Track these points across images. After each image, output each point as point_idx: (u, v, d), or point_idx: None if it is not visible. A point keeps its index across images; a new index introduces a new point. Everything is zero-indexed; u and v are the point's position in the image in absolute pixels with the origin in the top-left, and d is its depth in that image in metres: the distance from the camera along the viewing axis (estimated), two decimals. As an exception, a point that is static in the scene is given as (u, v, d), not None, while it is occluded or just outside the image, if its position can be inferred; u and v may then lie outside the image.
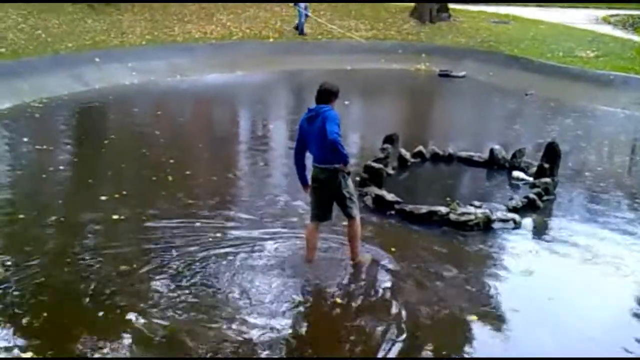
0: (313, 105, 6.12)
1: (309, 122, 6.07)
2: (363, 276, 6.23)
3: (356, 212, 6.28)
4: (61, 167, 8.90)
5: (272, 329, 5.18)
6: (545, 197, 8.15)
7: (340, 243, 6.63)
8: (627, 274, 6.48)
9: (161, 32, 17.94)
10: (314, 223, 6.34)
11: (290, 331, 5.21)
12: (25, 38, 15.73)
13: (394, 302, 5.70)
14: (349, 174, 6.15)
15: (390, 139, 9.13)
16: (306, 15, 19.04)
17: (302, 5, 18.97)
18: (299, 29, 19.14)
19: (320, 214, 6.29)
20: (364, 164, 8.63)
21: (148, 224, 7.02)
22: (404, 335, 5.20)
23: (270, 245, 6.64)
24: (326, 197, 6.21)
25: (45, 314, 5.27)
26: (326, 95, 6.09)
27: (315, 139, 6.00)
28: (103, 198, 7.67)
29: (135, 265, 6.06)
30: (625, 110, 13.90)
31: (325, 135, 5.77)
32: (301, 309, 5.56)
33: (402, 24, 21.07)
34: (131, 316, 5.26)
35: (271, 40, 18.48)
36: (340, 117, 5.97)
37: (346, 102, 13.63)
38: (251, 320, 5.27)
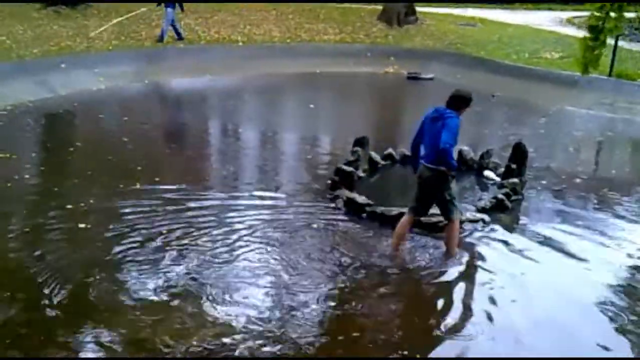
0: (441, 105, 6.30)
1: (432, 121, 6.28)
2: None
3: (456, 216, 6.51)
4: (26, 176, 8.72)
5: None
6: (513, 197, 8.25)
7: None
8: (592, 271, 6.62)
9: (128, 37, 17.76)
10: (409, 216, 6.62)
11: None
12: (-12, 44, 15.45)
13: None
14: (453, 177, 6.33)
15: (360, 142, 9.15)
16: (171, 22, 17.50)
17: (169, 10, 17.34)
18: (161, 33, 17.54)
19: (418, 208, 6.61)
20: (334, 167, 8.64)
21: (115, 233, 6.93)
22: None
23: (242, 251, 6.63)
24: (426, 195, 6.47)
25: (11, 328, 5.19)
26: (455, 101, 6.33)
27: (430, 139, 6.24)
28: (69, 207, 7.54)
29: (98, 277, 5.96)
30: (590, 110, 14.16)
31: (439, 139, 6.01)
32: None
33: (370, 27, 21.17)
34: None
35: (240, 44, 18.41)
36: (460, 125, 6.19)
37: (311, 106, 13.67)
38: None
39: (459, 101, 6.33)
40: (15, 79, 13.00)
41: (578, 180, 9.40)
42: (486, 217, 7.59)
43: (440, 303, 5.97)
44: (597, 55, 15.26)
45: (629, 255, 7.00)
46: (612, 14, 14.89)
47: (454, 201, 6.48)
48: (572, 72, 15.89)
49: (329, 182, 8.46)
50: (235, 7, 21.93)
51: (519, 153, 8.75)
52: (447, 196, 6.38)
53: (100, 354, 4.90)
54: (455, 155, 6.65)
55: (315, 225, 7.34)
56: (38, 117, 12.12)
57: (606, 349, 5.27)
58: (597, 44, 15.16)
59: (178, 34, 17.79)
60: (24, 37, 16.49)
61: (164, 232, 6.95)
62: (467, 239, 7.18)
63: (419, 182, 6.50)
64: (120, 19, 18.13)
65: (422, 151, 6.46)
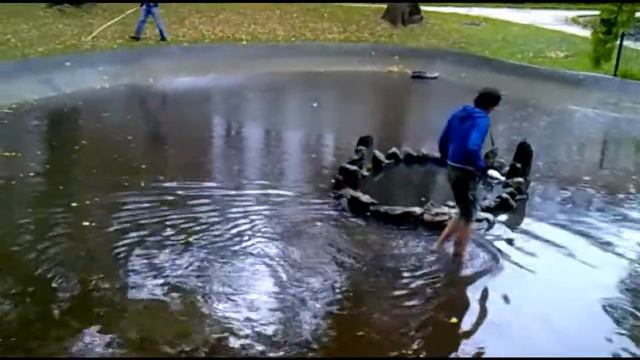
0: (469, 104, 6.24)
1: (459, 120, 6.23)
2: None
3: (473, 218, 6.50)
4: (31, 174, 8.74)
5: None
6: (518, 197, 8.23)
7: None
8: (599, 268, 6.62)
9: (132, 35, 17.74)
10: (456, 216, 6.60)
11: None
12: (-7, 43, 15.48)
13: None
14: (480, 178, 6.34)
15: (364, 141, 9.15)
16: (143, 21, 17.11)
17: (145, 7, 16.97)
18: (159, 33, 17.29)
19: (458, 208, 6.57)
20: (338, 165, 8.64)
21: (119, 231, 6.93)
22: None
23: (245, 249, 6.63)
24: (457, 195, 6.43)
25: (16, 325, 5.20)
26: (484, 99, 6.25)
27: (458, 138, 6.19)
28: (74, 204, 7.56)
29: (102, 275, 5.97)
30: (595, 109, 14.13)
31: (467, 139, 5.97)
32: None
33: (374, 26, 21.14)
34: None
35: (244, 42, 18.41)
36: (489, 125, 6.13)
37: (314, 104, 13.65)
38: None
39: (488, 99, 6.26)
40: (20, 78, 13.02)
41: (582, 179, 9.37)
42: (490, 217, 7.57)
43: (446, 302, 5.93)
44: (609, 49, 15.17)
45: (636, 253, 7.00)
46: (625, 8, 14.81)
47: (476, 203, 6.45)
48: (577, 72, 15.86)
49: (333, 180, 8.45)
50: (240, 6, 21.93)
51: (523, 152, 8.75)
52: (470, 196, 6.35)
53: (101, 353, 4.90)
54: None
55: (318, 224, 7.33)
56: (42, 116, 12.14)
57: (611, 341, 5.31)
58: (609, 38, 15.09)
59: (138, 32, 17.24)
60: (28, 35, 16.51)
61: (168, 230, 6.97)
62: (472, 238, 7.16)
63: (450, 184, 6.51)
64: (112, 21, 17.93)
65: (449, 150, 6.42)
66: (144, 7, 17.05)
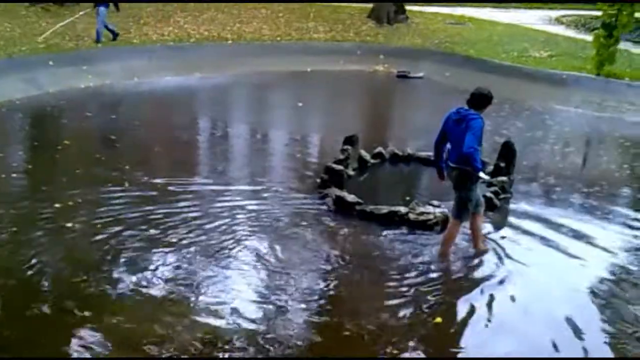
0: (463, 106, 6.26)
1: (454, 122, 6.25)
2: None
3: (464, 218, 6.55)
4: (14, 175, 8.66)
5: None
6: (502, 196, 8.28)
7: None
8: (583, 265, 6.70)
9: (117, 34, 17.64)
10: (453, 220, 6.58)
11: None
12: (-25, 41, 15.32)
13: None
14: (477, 179, 6.33)
15: (350, 140, 9.16)
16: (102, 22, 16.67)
17: (102, 9, 16.47)
18: (96, 32, 16.62)
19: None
20: (324, 165, 8.64)
21: (103, 231, 6.89)
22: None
23: (231, 249, 6.61)
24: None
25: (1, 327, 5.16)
26: (478, 100, 6.28)
27: (455, 140, 6.24)
28: (57, 205, 7.50)
29: (85, 276, 5.94)
30: (577, 109, 14.25)
31: (463, 141, 6.01)
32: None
33: (360, 26, 21.18)
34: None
35: (230, 42, 18.36)
36: (483, 125, 6.19)
37: (299, 104, 13.65)
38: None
39: (480, 100, 6.31)
40: (2, 77, 12.88)
41: (566, 178, 9.45)
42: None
43: (432, 301, 5.95)
44: (612, 52, 15.29)
45: (617, 249, 7.11)
46: (624, 9, 14.91)
47: (469, 205, 6.48)
48: (561, 71, 15.98)
49: (319, 180, 8.46)
50: (225, 5, 21.88)
51: (507, 151, 8.80)
52: (463, 196, 6.40)
53: (87, 354, 4.87)
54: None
55: (304, 224, 7.33)
56: (26, 115, 12.03)
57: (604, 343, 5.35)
58: (611, 42, 15.20)
59: (113, 32, 17.00)
60: (12, 34, 16.36)
61: (152, 229, 6.94)
62: (458, 238, 7.19)
63: (452, 184, 6.55)
64: (69, 20, 17.61)
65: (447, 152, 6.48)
66: (100, 7, 16.65)
